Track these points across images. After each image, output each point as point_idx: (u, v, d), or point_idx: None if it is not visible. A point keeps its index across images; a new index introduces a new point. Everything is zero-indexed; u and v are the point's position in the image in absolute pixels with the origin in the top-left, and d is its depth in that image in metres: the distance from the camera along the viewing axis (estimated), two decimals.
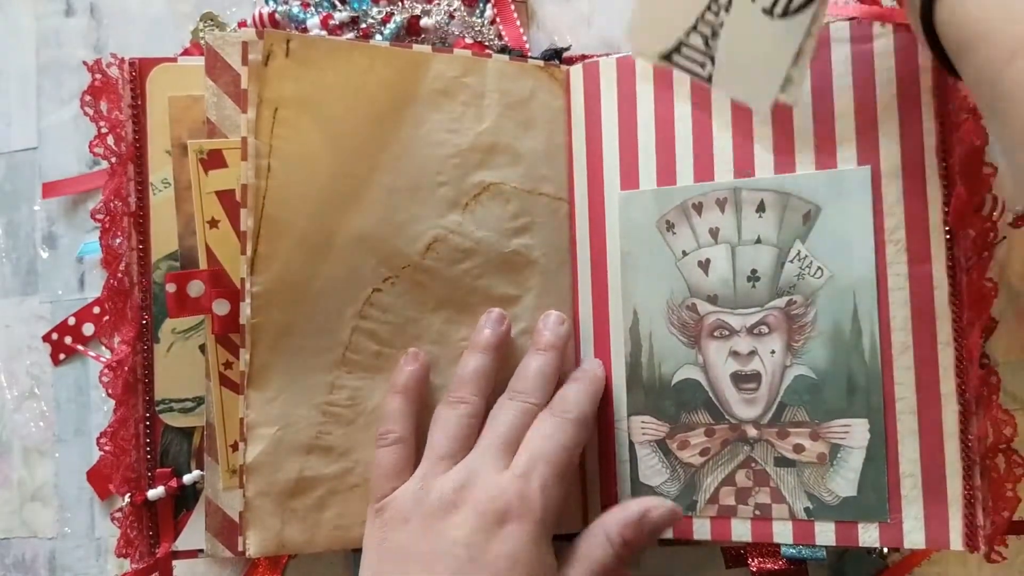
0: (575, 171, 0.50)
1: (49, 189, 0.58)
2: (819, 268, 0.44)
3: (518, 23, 0.53)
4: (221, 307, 0.47)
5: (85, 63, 0.51)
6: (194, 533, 0.50)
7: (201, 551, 0.50)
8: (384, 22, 0.53)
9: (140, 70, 0.50)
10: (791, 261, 0.44)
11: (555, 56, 0.51)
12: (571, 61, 0.51)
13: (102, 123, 0.51)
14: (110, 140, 0.51)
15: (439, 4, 0.53)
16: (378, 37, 0.52)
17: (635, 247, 0.47)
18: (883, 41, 0.43)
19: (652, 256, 0.47)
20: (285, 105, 0.44)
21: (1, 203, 0.60)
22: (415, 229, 0.47)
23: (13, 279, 0.59)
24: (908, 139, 0.43)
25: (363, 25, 0.53)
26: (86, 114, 0.51)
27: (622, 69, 0.48)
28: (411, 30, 0.53)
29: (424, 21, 0.53)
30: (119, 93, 0.50)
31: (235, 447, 0.47)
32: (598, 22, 0.54)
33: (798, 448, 0.44)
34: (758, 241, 0.45)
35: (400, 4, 0.53)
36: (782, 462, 0.44)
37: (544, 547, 0.41)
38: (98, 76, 0.51)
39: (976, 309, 0.41)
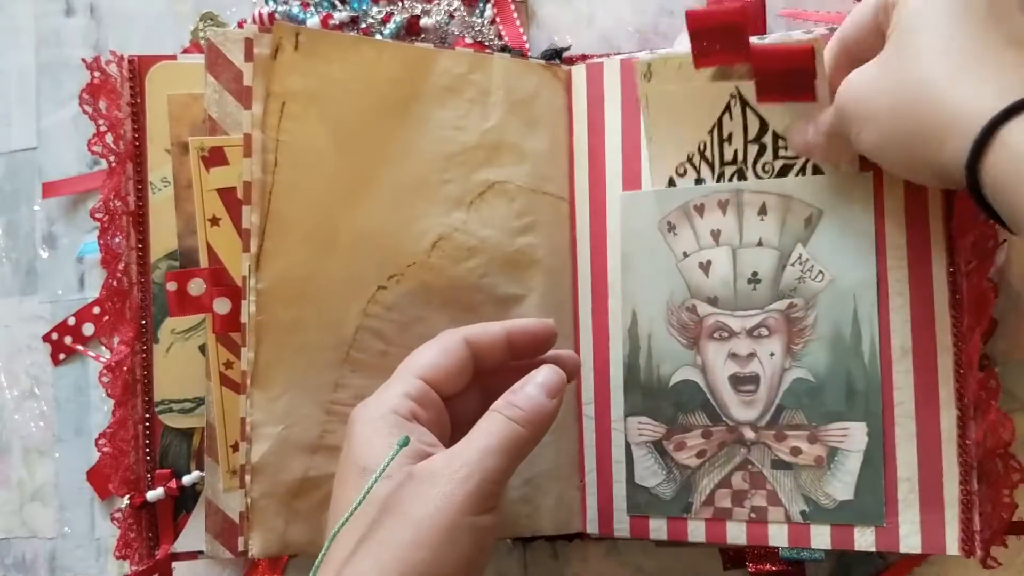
0: (576, 171, 0.50)
1: (49, 189, 0.58)
2: (820, 272, 0.44)
3: (518, 23, 0.53)
4: (222, 305, 0.46)
5: (84, 60, 0.51)
6: (194, 534, 0.50)
7: (201, 552, 0.50)
8: (384, 22, 0.53)
9: (139, 68, 0.50)
10: (792, 264, 0.44)
11: (555, 56, 0.51)
12: (571, 61, 0.51)
13: (101, 121, 0.51)
14: (109, 138, 0.50)
15: (439, 4, 0.53)
16: (378, 37, 0.52)
17: (636, 248, 0.47)
18: None
19: (653, 257, 0.47)
20: (293, 99, 0.44)
21: (1, 203, 0.60)
22: (420, 227, 0.46)
23: (13, 279, 0.60)
24: None
25: (363, 25, 0.53)
26: (85, 112, 0.51)
27: (625, 70, 0.48)
28: (411, 30, 0.53)
29: (424, 21, 0.53)
30: (118, 91, 0.50)
31: (236, 447, 0.47)
32: (598, 22, 0.53)
33: (795, 451, 0.44)
34: (759, 244, 0.45)
35: (400, 4, 0.53)
36: (779, 465, 0.44)
37: (382, 430, 0.38)
38: (97, 74, 0.51)
39: (976, 314, 0.41)
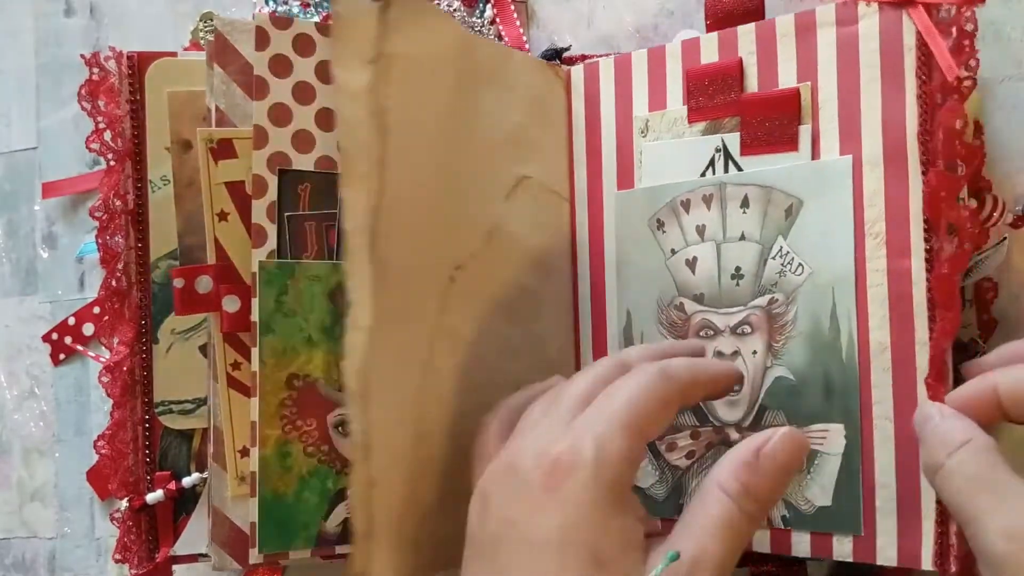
0: (575, 171, 0.49)
1: (49, 189, 0.58)
2: (800, 264, 0.42)
3: (518, 23, 0.53)
4: (231, 303, 0.45)
5: (83, 56, 0.50)
6: (194, 537, 0.49)
7: (201, 555, 0.49)
8: None
9: (139, 64, 0.50)
10: (773, 258, 0.42)
11: (555, 56, 0.51)
12: (571, 61, 0.51)
13: (100, 118, 0.50)
14: (107, 136, 0.50)
15: (439, 4, 0.53)
16: None
17: (629, 247, 0.47)
18: (868, 22, 0.40)
19: (644, 256, 0.46)
20: (396, 63, 0.39)
21: (1, 203, 0.60)
22: (479, 215, 0.44)
23: (13, 279, 0.59)
24: (890, 123, 0.39)
25: None
26: (84, 108, 0.50)
27: (619, 69, 0.48)
28: None
29: None
30: (117, 88, 0.50)
31: (244, 452, 0.46)
32: (598, 22, 0.54)
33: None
34: (742, 238, 0.43)
35: None
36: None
37: (609, 510, 0.32)
38: (96, 70, 0.50)
39: (945, 306, 0.37)
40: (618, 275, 0.47)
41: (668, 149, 0.46)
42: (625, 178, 0.47)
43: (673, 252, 0.45)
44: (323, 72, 0.47)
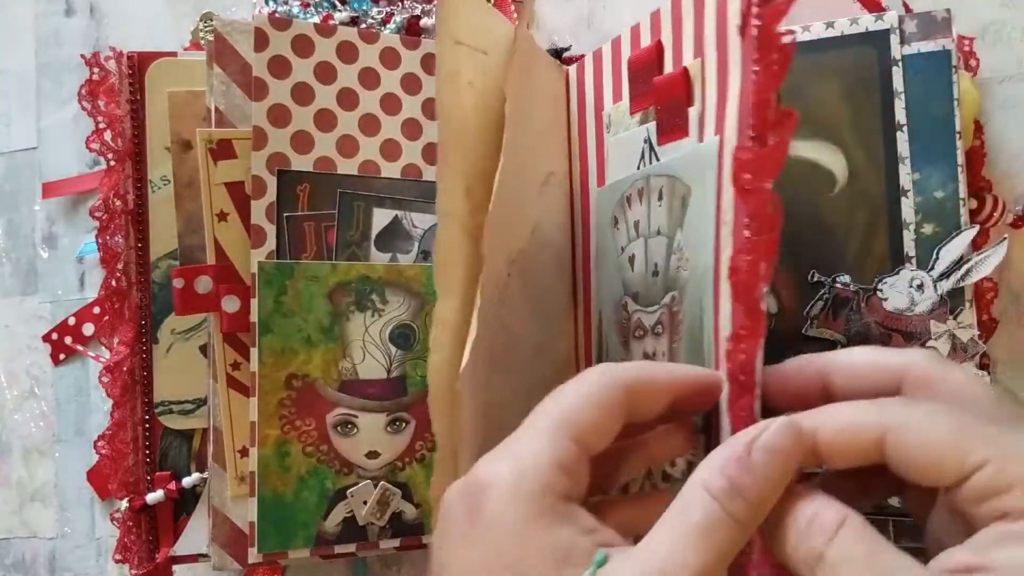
0: (572, 169, 0.49)
1: (49, 189, 0.58)
2: (687, 258, 0.36)
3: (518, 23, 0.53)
4: (231, 304, 0.45)
5: (83, 56, 0.50)
6: (194, 537, 0.49)
7: (201, 555, 0.49)
8: (384, 22, 0.53)
9: (139, 64, 0.50)
10: (674, 252, 0.38)
11: (555, 56, 0.51)
12: (571, 61, 0.51)
13: (100, 118, 0.50)
14: (108, 136, 0.50)
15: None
16: None
17: (601, 246, 0.45)
18: None
19: (608, 255, 0.44)
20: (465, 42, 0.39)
21: (1, 203, 0.60)
22: (526, 210, 0.43)
23: (13, 279, 0.60)
24: (743, 96, 0.32)
25: (363, 25, 0.53)
26: (84, 108, 0.50)
27: (596, 63, 0.47)
28: (411, 30, 0.53)
29: (424, 21, 0.53)
30: (117, 88, 0.50)
31: (244, 452, 0.46)
32: (598, 22, 0.54)
33: (673, 463, 0.39)
34: (658, 232, 0.39)
35: (400, 4, 0.53)
36: (666, 477, 0.39)
37: (535, 524, 0.28)
38: (96, 70, 0.50)
39: (746, 305, 0.30)
40: (595, 275, 0.46)
41: (620, 143, 0.43)
42: (602, 176, 0.46)
43: (622, 250, 0.43)
44: (322, 73, 0.47)
